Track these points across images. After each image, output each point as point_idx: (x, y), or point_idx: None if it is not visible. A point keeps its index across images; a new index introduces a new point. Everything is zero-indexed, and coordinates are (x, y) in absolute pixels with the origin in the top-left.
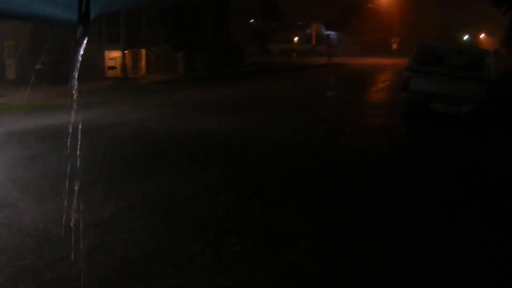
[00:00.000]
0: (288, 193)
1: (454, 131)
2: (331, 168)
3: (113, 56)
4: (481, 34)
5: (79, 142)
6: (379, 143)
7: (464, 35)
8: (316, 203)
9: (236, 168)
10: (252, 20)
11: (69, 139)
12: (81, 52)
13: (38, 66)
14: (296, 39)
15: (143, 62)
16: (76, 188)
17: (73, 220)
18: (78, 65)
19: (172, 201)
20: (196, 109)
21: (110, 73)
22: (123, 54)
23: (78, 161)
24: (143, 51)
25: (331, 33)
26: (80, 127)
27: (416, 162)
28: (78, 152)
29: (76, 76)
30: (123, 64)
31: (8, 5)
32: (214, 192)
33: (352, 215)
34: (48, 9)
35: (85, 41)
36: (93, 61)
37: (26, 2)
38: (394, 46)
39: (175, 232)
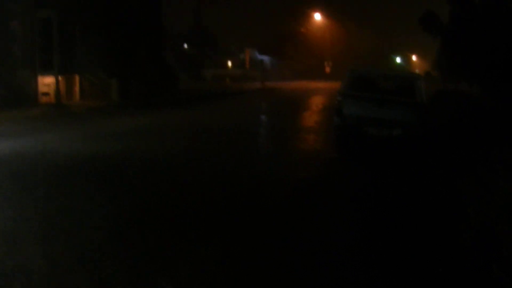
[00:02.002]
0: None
1: (386, 155)
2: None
3: (47, 82)
4: (413, 56)
5: None
6: (303, 170)
7: (396, 58)
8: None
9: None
10: (186, 45)
11: None
12: None
13: None
14: (229, 64)
15: (77, 88)
16: None
17: None
18: None
19: None
20: (113, 136)
21: (44, 99)
22: (57, 80)
23: None
24: (77, 77)
25: (264, 58)
26: None
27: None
28: None
29: None
30: (57, 90)
31: None
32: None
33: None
34: None
35: None
36: (26, 87)
37: None
38: (327, 69)
39: None
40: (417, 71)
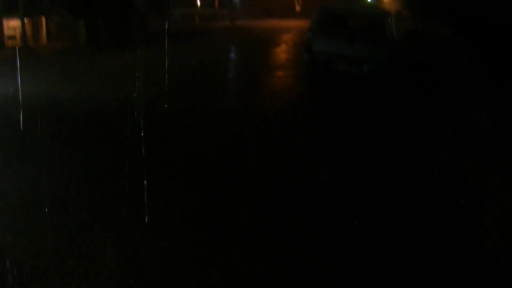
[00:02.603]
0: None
1: (355, 91)
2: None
3: (12, 25)
4: None
5: None
6: (275, 104)
7: None
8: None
9: None
10: None
11: None
12: None
13: None
14: (198, 2)
15: (43, 31)
16: None
17: None
18: None
19: None
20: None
21: (10, 43)
22: (23, 23)
23: None
24: (43, 19)
25: None
26: None
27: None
28: None
29: None
30: (23, 33)
31: None
32: None
33: None
34: None
35: None
36: None
37: None
38: (297, 7)
39: None
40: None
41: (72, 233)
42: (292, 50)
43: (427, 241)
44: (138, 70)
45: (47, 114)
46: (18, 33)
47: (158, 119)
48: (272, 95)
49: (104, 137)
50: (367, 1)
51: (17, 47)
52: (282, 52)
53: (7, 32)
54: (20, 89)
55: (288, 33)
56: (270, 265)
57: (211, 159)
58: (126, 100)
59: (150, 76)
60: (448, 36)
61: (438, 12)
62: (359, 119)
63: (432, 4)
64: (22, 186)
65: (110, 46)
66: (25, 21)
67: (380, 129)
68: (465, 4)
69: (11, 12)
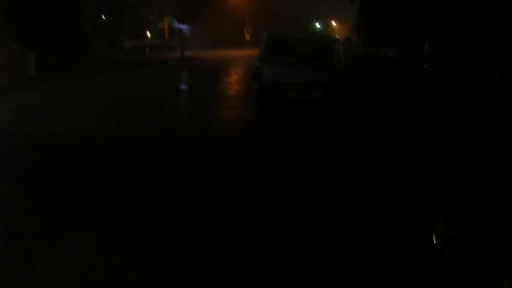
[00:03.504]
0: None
1: (305, 118)
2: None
3: None
4: (332, 21)
5: None
6: (222, 134)
7: (316, 23)
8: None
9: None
10: (103, 17)
11: None
12: None
13: None
14: (148, 34)
15: None
16: None
17: None
18: None
19: None
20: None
21: None
22: None
23: None
24: None
25: (183, 26)
26: None
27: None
28: None
29: None
30: None
31: None
32: None
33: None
34: None
35: None
36: None
37: None
38: (247, 37)
39: None
40: (337, 36)
41: None
42: (241, 79)
43: None
44: (84, 101)
45: None
46: None
47: (106, 147)
48: (221, 124)
49: (50, 168)
50: (316, 27)
51: None
52: (231, 81)
53: None
54: None
55: (238, 63)
56: None
57: (150, 187)
58: (73, 129)
59: (98, 105)
60: (395, 56)
61: (384, 34)
62: (310, 145)
63: (378, 27)
64: None
65: (60, 76)
66: None
67: (333, 154)
68: (406, 24)
69: None
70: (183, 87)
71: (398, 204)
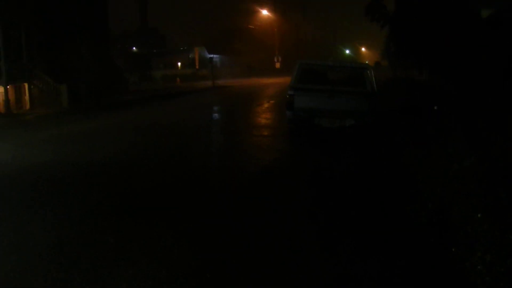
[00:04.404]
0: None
1: (339, 145)
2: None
3: None
4: (362, 48)
5: None
6: (258, 162)
7: (345, 49)
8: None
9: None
10: (134, 48)
11: None
12: None
13: None
14: (179, 64)
15: (26, 97)
16: None
17: None
18: None
19: None
20: (60, 142)
21: None
22: (5, 89)
23: None
24: (26, 85)
25: (213, 56)
26: None
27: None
28: None
29: None
30: (6, 100)
31: None
32: None
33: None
34: None
35: None
36: None
37: None
38: (277, 65)
39: None
40: (367, 61)
41: None
42: (272, 107)
43: None
44: (119, 132)
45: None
46: (1, 100)
47: (144, 175)
48: (255, 153)
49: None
50: (346, 53)
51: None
52: (264, 110)
53: None
54: None
55: (269, 90)
56: None
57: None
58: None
59: (134, 135)
60: (427, 80)
61: (415, 59)
62: (345, 173)
63: (409, 51)
64: None
65: (93, 109)
66: (8, 88)
67: (367, 183)
68: (439, 48)
69: None
70: (215, 116)
71: (435, 230)
